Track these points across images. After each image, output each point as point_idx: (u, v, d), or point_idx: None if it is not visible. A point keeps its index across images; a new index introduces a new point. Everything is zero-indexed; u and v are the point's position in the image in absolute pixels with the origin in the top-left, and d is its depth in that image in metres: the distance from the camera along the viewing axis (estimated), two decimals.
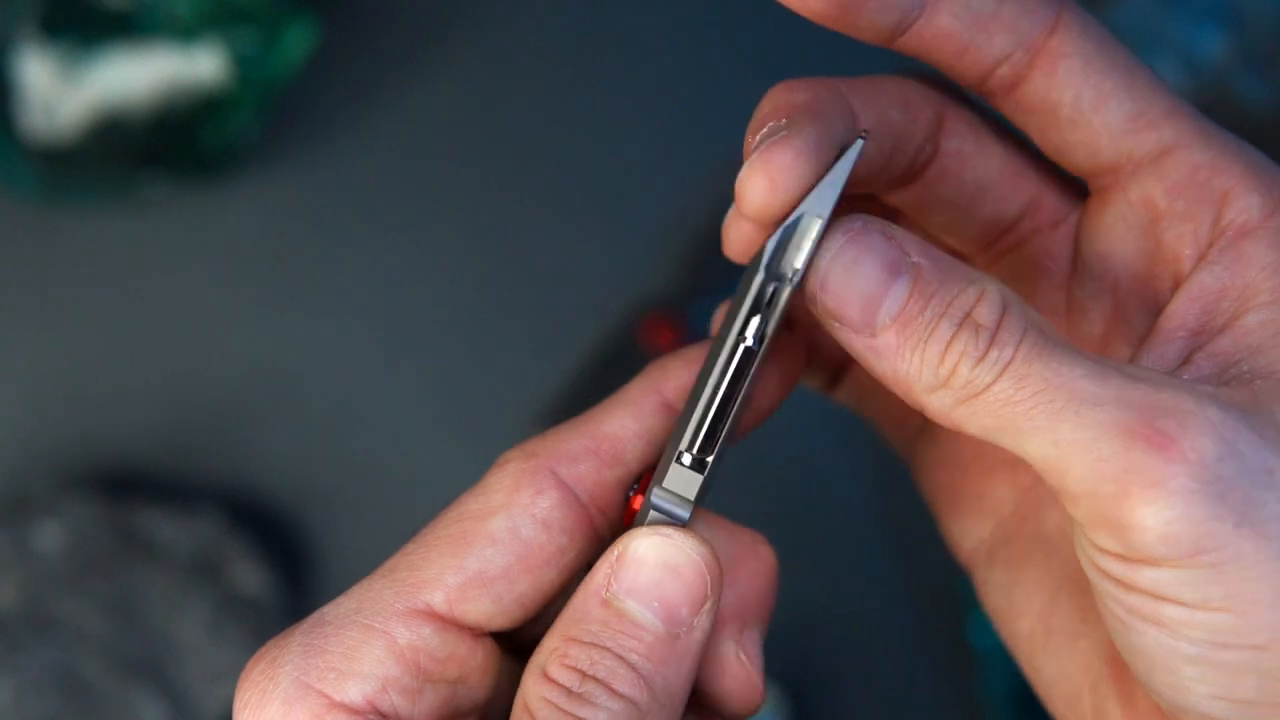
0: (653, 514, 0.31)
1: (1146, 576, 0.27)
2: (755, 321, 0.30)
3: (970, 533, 0.37)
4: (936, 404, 0.28)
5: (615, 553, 0.30)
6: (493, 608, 0.30)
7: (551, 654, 0.29)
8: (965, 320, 0.28)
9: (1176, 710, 0.28)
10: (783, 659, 0.64)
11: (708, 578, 0.30)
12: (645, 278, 0.67)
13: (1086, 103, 0.31)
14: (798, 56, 0.67)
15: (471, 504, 0.31)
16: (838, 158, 0.30)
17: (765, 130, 0.30)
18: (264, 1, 0.61)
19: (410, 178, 0.67)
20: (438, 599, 0.30)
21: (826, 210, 0.29)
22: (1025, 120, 0.32)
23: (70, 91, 0.61)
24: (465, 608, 0.30)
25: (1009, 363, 0.27)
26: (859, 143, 0.30)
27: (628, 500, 0.32)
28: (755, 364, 0.30)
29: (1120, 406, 0.26)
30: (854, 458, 0.66)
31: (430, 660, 0.30)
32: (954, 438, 0.36)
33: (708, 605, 0.30)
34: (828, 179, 0.29)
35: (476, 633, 0.30)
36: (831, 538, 0.66)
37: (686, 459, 0.30)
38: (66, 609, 0.59)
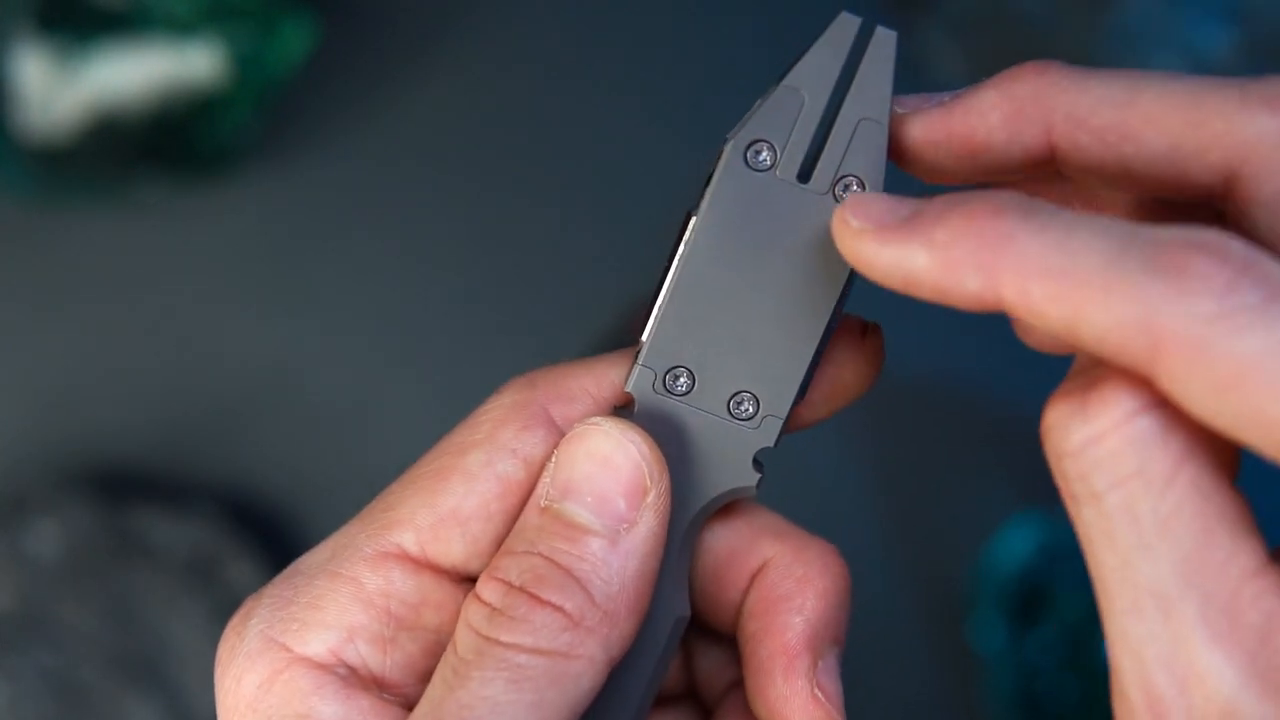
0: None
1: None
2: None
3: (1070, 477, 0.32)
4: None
5: (554, 457, 0.28)
6: (467, 549, 0.28)
7: (487, 573, 0.27)
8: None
9: None
10: None
11: (645, 467, 0.27)
12: (645, 277, 0.67)
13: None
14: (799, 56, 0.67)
15: (457, 435, 0.29)
16: (854, 50, 0.29)
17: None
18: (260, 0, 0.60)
19: (409, 177, 0.67)
20: (408, 539, 0.28)
21: (884, 116, 0.28)
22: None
23: (66, 89, 0.60)
24: (437, 548, 0.28)
25: None
26: (892, 33, 0.28)
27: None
28: (688, 235, 0.30)
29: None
30: (854, 458, 0.65)
31: (402, 606, 0.27)
32: None
33: (650, 498, 0.27)
34: (867, 76, 0.28)
35: (455, 576, 0.28)
36: (831, 538, 0.66)
37: (643, 354, 0.29)
38: (62, 610, 0.59)
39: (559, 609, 0.26)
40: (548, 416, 0.29)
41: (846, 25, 0.29)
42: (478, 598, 0.27)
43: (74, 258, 0.65)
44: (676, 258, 0.30)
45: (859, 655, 0.66)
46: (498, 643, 0.26)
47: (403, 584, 0.28)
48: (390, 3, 0.68)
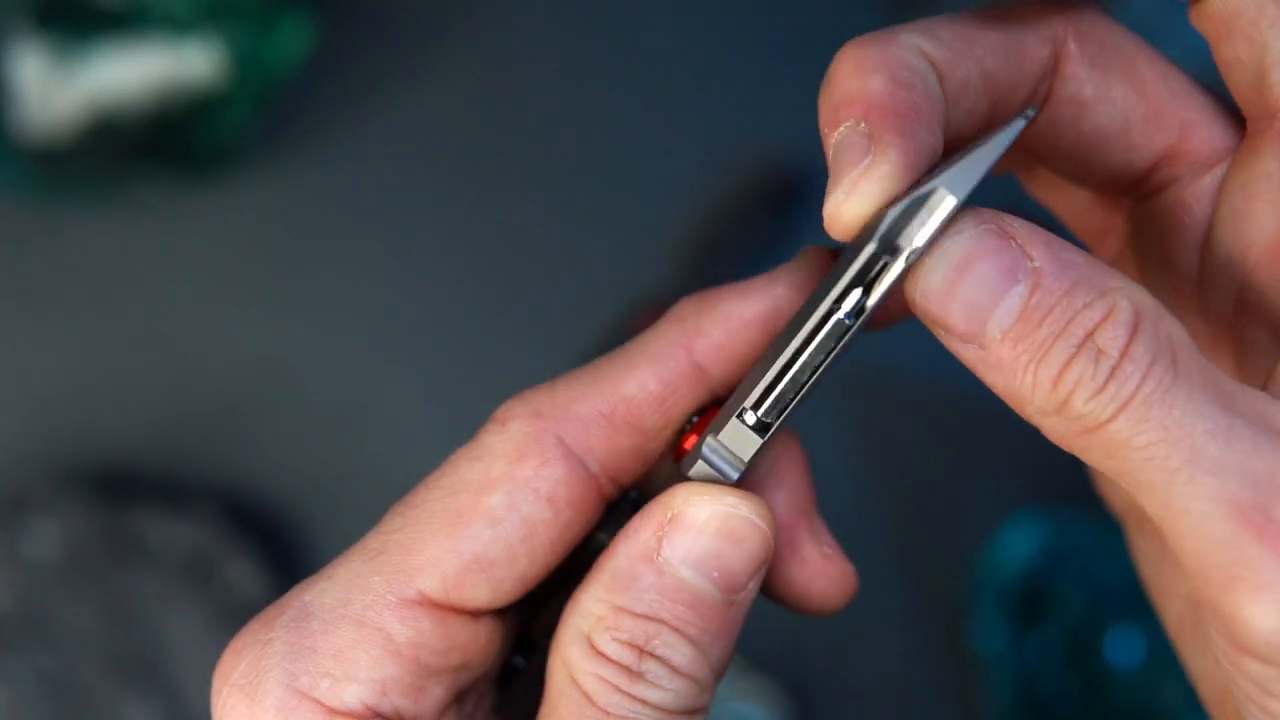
0: (700, 465, 0.28)
1: (1252, 669, 0.24)
2: (855, 294, 0.26)
3: (1119, 492, 0.33)
4: (1051, 430, 0.25)
5: (667, 514, 0.27)
6: (492, 591, 0.27)
7: (598, 623, 0.27)
8: (1085, 342, 0.24)
9: None
10: (783, 659, 0.64)
11: (770, 543, 0.27)
12: (645, 276, 0.67)
13: (1268, 17, 0.27)
14: (799, 55, 0.67)
15: (468, 472, 0.28)
16: (989, 134, 0.26)
17: (842, 132, 0.26)
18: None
19: (408, 177, 0.67)
20: (433, 586, 0.27)
21: (963, 193, 0.25)
22: (1204, 27, 0.28)
23: (64, 88, 0.60)
24: (463, 595, 0.27)
25: (1129, 400, 0.24)
26: (1020, 122, 0.26)
27: (680, 435, 0.29)
28: (846, 339, 0.26)
29: (1240, 480, 0.23)
30: (855, 458, 0.65)
31: (431, 655, 0.27)
32: None
33: (763, 572, 0.28)
34: (971, 157, 0.25)
35: (476, 614, 0.28)
36: (834, 537, 0.66)
37: (750, 418, 0.27)
38: (61, 611, 0.59)
39: (693, 679, 0.27)
40: (565, 447, 0.28)
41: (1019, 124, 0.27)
42: (600, 653, 0.27)
43: (72, 257, 0.65)
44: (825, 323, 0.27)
45: (859, 655, 0.66)
46: (646, 703, 0.26)
47: (431, 633, 0.27)
48: (389, 3, 0.68)
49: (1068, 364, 0.24)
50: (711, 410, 0.29)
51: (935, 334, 0.26)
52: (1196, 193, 0.30)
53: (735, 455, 0.27)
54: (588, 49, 0.68)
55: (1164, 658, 0.59)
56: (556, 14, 0.69)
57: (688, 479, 0.28)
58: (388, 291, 0.66)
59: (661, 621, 0.27)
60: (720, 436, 0.27)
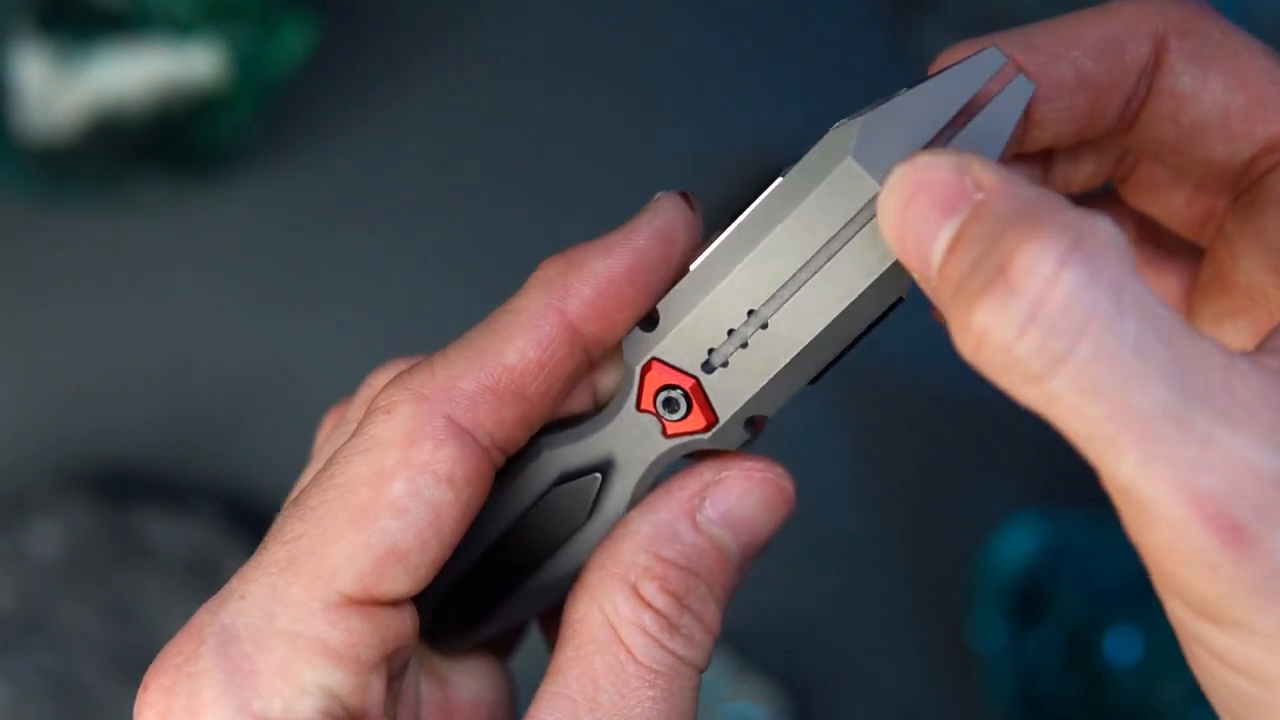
0: (736, 438, 0.29)
1: (1212, 635, 0.24)
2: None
3: None
4: (996, 379, 0.23)
5: (715, 475, 0.28)
6: (410, 578, 0.27)
7: (645, 572, 0.28)
8: (998, 276, 0.22)
9: None
10: (783, 659, 0.64)
11: (785, 521, 0.29)
12: None
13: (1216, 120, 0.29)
14: (799, 55, 0.67)
15: (362, 466, 0.27)
16: (987, 97, 0.27)
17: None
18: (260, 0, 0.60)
19: (408, 176, 0.67)
20: (352, 586, 0.27)
21: (996, 155, 0.26)
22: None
23: (66, 89, 0.60)
24: (383, 588, 0.27)
25: (1064, 358, 0.22)
26: (1028, 90, 0.27)
27: (672, 401, 0.30)
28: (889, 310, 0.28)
29: (1193, 468, 0.22)
30: (855, 457, 0.65)
31: (368, 650, 0.27)
32: None
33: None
34: (986, 124, 0.26)
35: (398, 603, 0.28)
36: (832, 538, 0.66)
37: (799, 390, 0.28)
38: (62, 611, 0.59)
39: (713, 635, 0.28)
40: (455, 426, 0.28)
41: (991, 60, 0.27)
42: (645, 600, 0.27)
43: (74, 257, 0.65)
44: (743, 216, 0.29)
45: (859, 655, 0.66)
46: (685, 660, 0.27)
47: (364, 629, 0.27)
48: (389, 3, 0.68)
49: (977, 296, 0.22)
50: (685, 381, 0.29)
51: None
52: None
53: (752, 419, 0.29)
54: (586, 49, 0.69)
55: (1163, 656, 0.59)
56: (556, 14, 0.69)
57: (709, 449, 0.29)
58: (388, 291, 0.66)
59: (699, 575, 0.28)
60: (771, 414, 0.29)
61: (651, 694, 0.27)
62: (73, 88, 0.61)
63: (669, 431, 0.30)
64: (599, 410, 0.31)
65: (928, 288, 0.24)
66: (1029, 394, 0.22)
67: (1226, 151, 0.30)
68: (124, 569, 0.60)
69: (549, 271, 0.29)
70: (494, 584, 0.31)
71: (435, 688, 0.32)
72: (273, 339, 0.65)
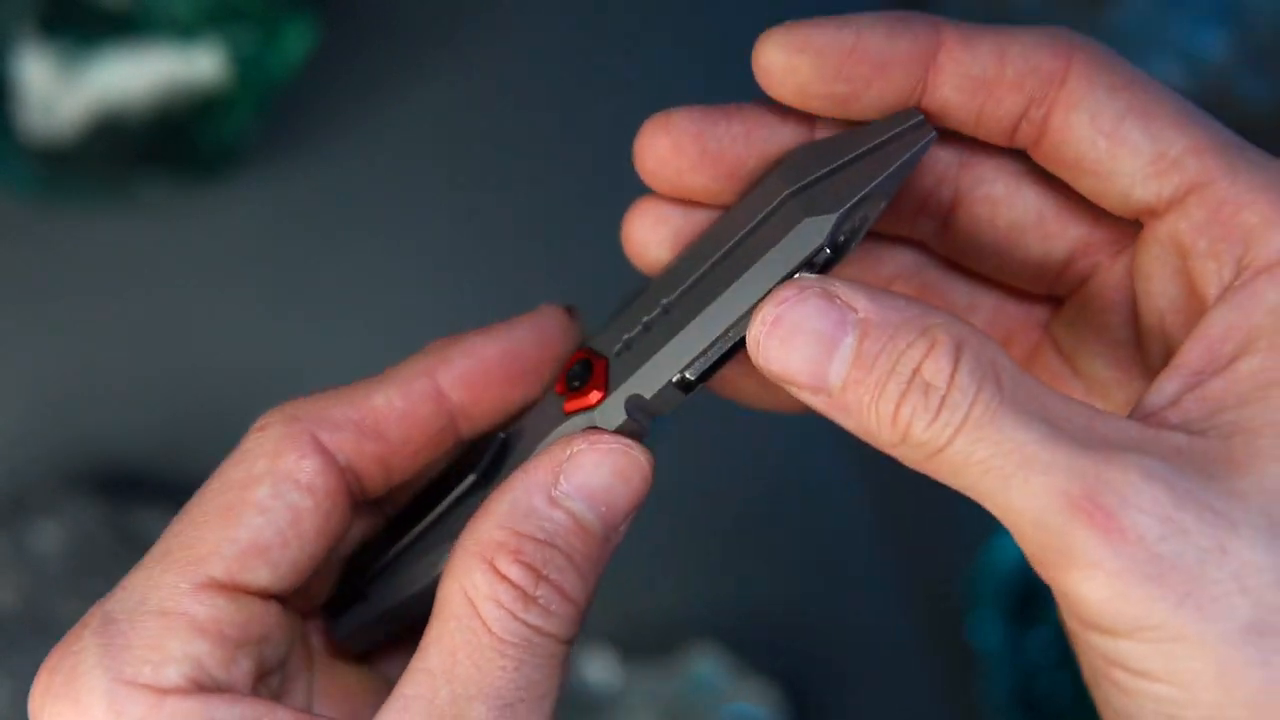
0: (617, 417, 0.31)
1: (1098, 642, 0.27)
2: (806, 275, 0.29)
3: None
4: (903, 457, 0.28)
5: (567, 452, 0.30)
6: (272, 573, 0.30)
7: (500, 547, 0.29)
8: (913, 378, 0.27)
9: None
10: (783, 659, 0.64)
11: (648, 488, 0.31)
12: (645, 278, 0.67)
13: (1103, 152, 0.30)
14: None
15: (234, 473, 0.31)
16: (884, 140, 0.30)
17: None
18: (263, 1, 0.61)
19: (409, 178, 0.67)
20: (219, 571, 0.30)
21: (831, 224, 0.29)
22: (1059, 171, 0.31)
23: (69, 91, 0.61)
24: (245, 576, 0.30)
25: (962, 424, 0.27)
26: (930, 135, 0.30)
27: (578, 375, 0.32)
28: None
29: (1067, 476, 0.26)
30: (853, 457, 0.66)
31: (232, 628, 0.30)
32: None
33: (632, 516, 0.31)
34: (879, 162, 0.30)
35: (265, 595, 0.31)
36: (831, 537, 0.66)
37: (676, 376, 0.31)
38: (65, 610, 0.59)
39: (577, 606, 0.30)
40: (319, 444, 0.31)
41: (909, 116, 0.30)
42: (500, 573, 0.29)
43: (77, 258, 0.65)
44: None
45: (859, 654, 0.66)
46: (538, 632, 0.29)
47: (228, 608, 0.30)
48: (391, 5, 0.68)
49: (901, 399, 0.27)
50: (596, 362, 0.32)
51: (788, 389, 0.29)
52: (1119, 271, 0.32)
53: (646, 413, 0.31)
54: (588, 49, 0.69)
55: None
56: (557, 16, 0.69)
57: (594, 426, 0.31)
58: (390, 292, 0.66)
59: (556, 547, 0.29)
60: (649, 396, 0.31)
61: (503, 664, 0.29)
62: (75, 89, 0.61)
63: (566, 408, 0.32)
64: None
65: (819, 402, 0.28)
66: (934, 462, 0.27)
67: (1043, 251, 0.33)
68: (125, 568, 0.60)
69: (435, 344, 0.33)
70: (389, 545, 0.34)
71: (332, 706, 0.34)
72: (274, 339, 0.65)
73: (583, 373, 0.32)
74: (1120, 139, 0.29)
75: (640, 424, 0.31)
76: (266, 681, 0.31)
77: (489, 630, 0.29)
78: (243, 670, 0.30)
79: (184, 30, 0.60)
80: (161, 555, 0.30)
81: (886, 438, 0.28)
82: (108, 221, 0.65)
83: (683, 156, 0.33)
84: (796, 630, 0.65)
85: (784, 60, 0.31)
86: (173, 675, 0.29)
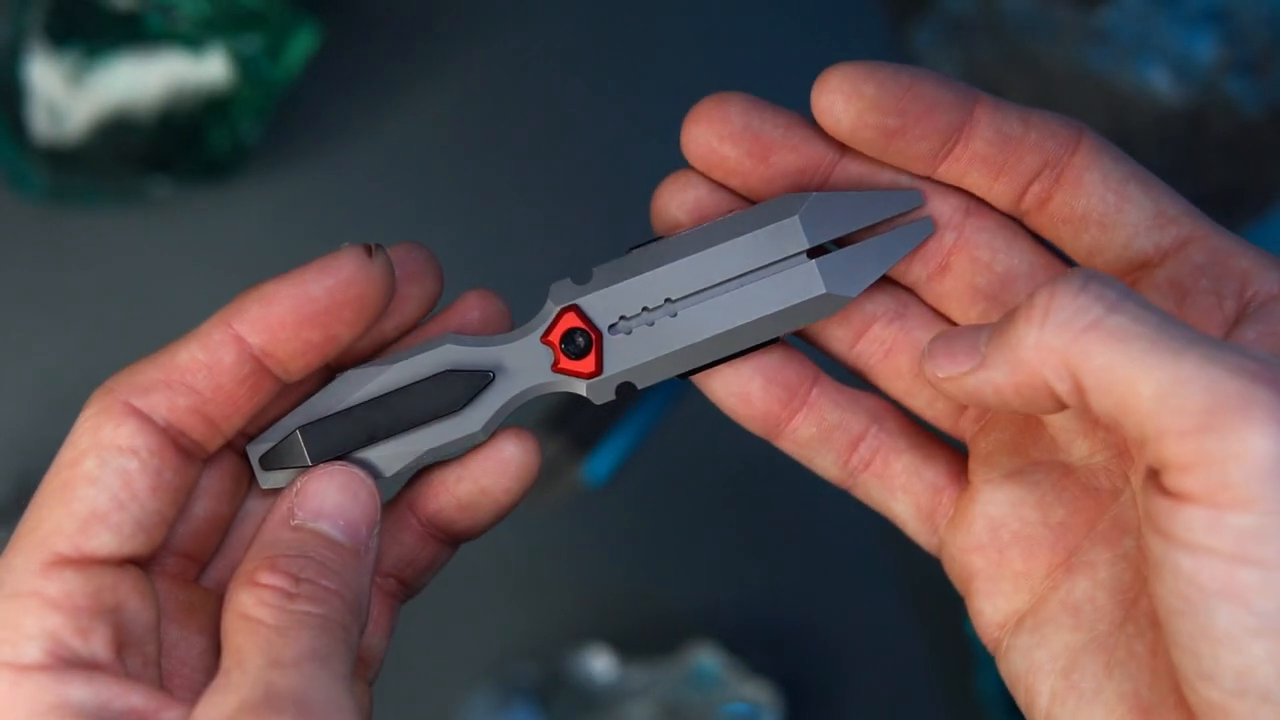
0: (605, 395, 0.36)
1: (1231, 525, 0.27)
2: None
3: (1001, 607, 0.38)
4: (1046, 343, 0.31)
5: (295, 488, 0.34)
6: (116, 536, 0.32)
7: (256, 569, 0.32)
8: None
9: (1239, 697, 0.28)
10: (782, 658, 0.64)
11: (377, 505, 0.34)
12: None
13: (1113, 206, 0.35)
14: (798, 55, 0.68)
15: (65, 455, 0.33)
16: (893, 216, 0.37)
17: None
18: (269, 6, 0.61)
19: (413, 179, 0.68)
20: (63, 545, 0.31)
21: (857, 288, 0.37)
22: (1057, 231, 0.36)
23: (77, 94, 0.61)
24: (91, 545, 0.32)
25: (1097, 322, 0.30)
26: (927, 229, 0.36)
27: (574, 343, 0.36)
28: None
29: (1244, 356, 0.28)
30: None
31: (84, 598, 0.31)
32: (992, 521, 0.38)
33: (377, 528, 0.34)
34: (885, 242, 0.37)
35: (113, 562, 0.32)
36: (830, 537, 0.66)
37: (671, 376, 0.36)
38: None
39: (340, 597, 0.32)
40: (133, 408, 0.33)
41: (914, 198, 0.36)
42: (260, 584, 0.32)
43: (84, 259, 0.65)
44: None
45: (858, 653, 0.66)
46: (307, 614, 0.32)
47: (77, 579, 0.31)
48: (394, 9, 0.69)
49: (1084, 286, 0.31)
50: (593, 335, 0.36)
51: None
52: None
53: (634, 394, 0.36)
54: (590, 53, 0.69)
55: None
56: (559, 19, 0.69)
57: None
58: None
59: (307, 558, 0.32)
60: (640, 387, 0.36)
61: (283, 640, 0.31)
62: (84, 92, 0.61)
63: (558, 367, 0.36)
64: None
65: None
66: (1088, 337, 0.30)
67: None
68: None
69: (238, 297, 0.35)
70: (361, 428, 0.36)
71: None
72: None
73: (581, 344, 0.36)
74: (1127, 196, 0.35)
75: (616, 403, 0.35)
76: (138, 649, 0.32)
77: (264, 623, 0.31)
78: (102, 639, 0.31)
79: (191, 35, 0.61)
80: (12, 543, 0.32)
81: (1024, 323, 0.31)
82: (116, 223, 0.65)
83: (728, 125, 0.37)
84: (796, 630, 0.65)
85: (850, 87, 0.34)
86: (31, 652, 0.30)
